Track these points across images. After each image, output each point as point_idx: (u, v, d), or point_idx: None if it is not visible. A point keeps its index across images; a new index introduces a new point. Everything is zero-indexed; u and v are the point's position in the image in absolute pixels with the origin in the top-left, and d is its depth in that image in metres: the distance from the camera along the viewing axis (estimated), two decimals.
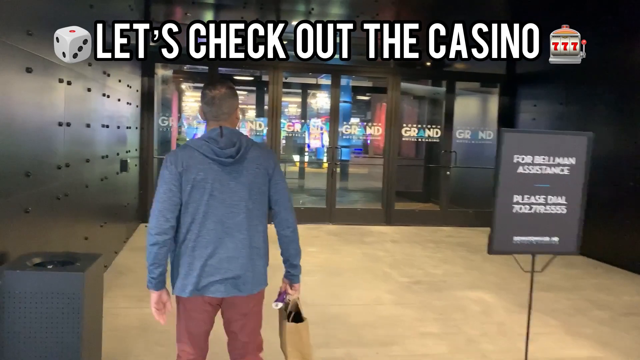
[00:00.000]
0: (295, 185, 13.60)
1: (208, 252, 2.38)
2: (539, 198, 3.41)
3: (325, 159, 16.92)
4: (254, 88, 13.95)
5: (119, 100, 6.28)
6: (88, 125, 4.83)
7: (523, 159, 3.37)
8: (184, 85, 16.95)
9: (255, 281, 2.46)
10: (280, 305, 2.65)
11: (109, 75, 5.63)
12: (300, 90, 13.38)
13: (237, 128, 2.54)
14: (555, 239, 3.46)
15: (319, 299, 5.12)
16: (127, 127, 6.94)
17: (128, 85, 6.94)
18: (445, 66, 10.03)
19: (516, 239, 3.41)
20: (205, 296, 2.41)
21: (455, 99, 9.74)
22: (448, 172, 9.60)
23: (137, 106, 7.73)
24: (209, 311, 2.48)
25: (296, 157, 16.64)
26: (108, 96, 5.66)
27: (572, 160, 3.42)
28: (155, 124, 8.71)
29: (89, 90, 4.81)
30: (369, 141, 17.23)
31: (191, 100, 24.27)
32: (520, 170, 3.37)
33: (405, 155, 13.47)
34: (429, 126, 9.59)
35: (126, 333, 4.15)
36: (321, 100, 23.57)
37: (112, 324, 4.13)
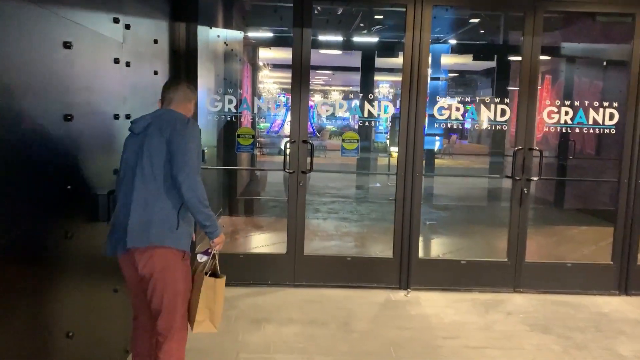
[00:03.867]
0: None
1: (116, 211, 2.57)
2: None
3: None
4: (355, 62, 9.73)
5: (67, 46, 2.38)
6: None
7: None
8: (261, 57, 13.01)
9: (147, 236, 2.45)
10: (204, 258, 2.68)
11: None
12: None
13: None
14: None
15: None
16: (117, 117, 3.07)
17: (116, 20, 3.05)
18: None
19: None
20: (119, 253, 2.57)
21: None
22: None
23: (154, 73, 3.86)
24: (129, 267, 2.57)
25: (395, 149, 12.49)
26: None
27: None
28: (202, 108, 4.81)
29: None
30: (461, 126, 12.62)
31: (270, 80, 20.33)
32: None
33: (579, 153, 8.86)
34: None
35: None
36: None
37: None
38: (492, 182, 10.66)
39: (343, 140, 4.82)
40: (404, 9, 4.70)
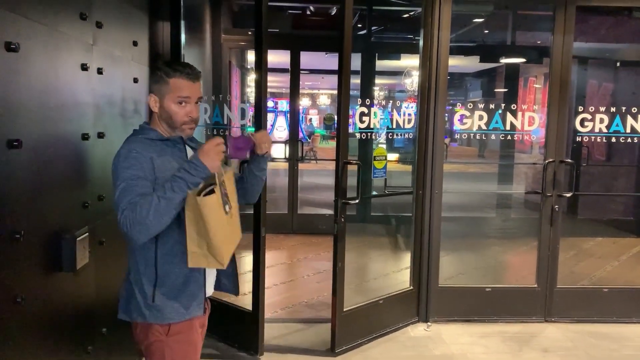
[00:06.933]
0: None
1: None
2: None
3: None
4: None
5: (12, 49, 1.78)
6: None
7: None
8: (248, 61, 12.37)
9: (129, 309, 1.94)
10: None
11: None
12: None
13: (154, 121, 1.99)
14: None
15: None
16: (86, 137, 2.45)
17: (84, 16, 2.44)
18: None
19: None
20: None
21: None
22: None
23: (134, 80, 3.24)
24: None
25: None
26: None
27: None
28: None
29: None
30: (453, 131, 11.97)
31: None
32: None
33: (595, 159, 8.41)
34: None
35: None
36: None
37: None
38: (498, 188, 10.15)
39: (374, 158, 4.05)
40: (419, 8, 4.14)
